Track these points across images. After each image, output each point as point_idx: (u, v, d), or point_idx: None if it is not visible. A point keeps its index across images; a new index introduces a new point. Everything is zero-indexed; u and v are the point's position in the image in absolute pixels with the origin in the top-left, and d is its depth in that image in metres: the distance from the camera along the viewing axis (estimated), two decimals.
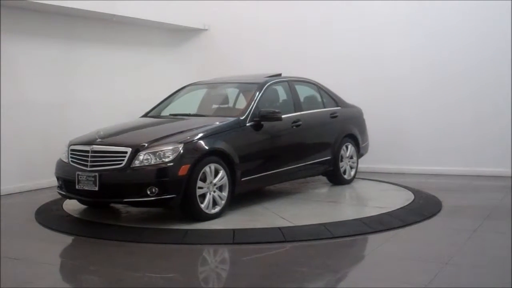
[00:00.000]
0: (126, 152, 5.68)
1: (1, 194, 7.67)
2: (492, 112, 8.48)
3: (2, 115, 7.83)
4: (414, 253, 4.97)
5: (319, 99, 7.82)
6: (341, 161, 7.72)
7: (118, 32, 9.58)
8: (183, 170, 5.57)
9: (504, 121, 8.33)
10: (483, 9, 8.47)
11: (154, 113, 7.37)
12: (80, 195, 6.02)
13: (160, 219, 5.94)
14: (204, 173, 5.76)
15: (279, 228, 5.44)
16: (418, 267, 4.50)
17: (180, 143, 5.72)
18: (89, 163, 5.82)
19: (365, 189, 7.69)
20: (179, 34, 10.70)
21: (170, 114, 7.16)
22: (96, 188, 5.68)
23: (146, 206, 6.06)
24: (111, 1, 8.61)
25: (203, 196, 5.78)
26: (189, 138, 5.85)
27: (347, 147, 7.82)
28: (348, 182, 7.85)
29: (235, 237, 5.25)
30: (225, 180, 5.98)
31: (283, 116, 6.73)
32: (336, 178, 7.78)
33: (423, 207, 6.40)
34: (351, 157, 7.92)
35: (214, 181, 5.87)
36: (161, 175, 5.55)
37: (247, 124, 6.43)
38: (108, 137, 6.10)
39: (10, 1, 7.54)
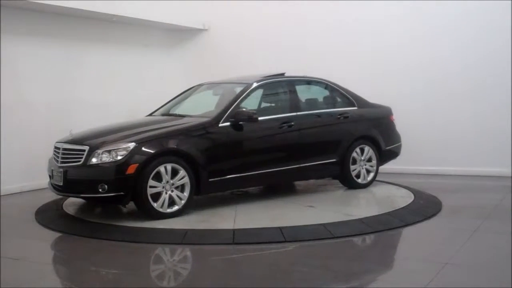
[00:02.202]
0: (84, 150, 5.98)
1: (1, 194, 7.68)
2: (492, 112, 8.47)
3: (2, 115, 7.84)
4: (414, 253, 4.97)
5: (329, 99, 7.64)
6: (354, 164, 7.37)
7: (118, 32, 9.59)
8: (131, 169, 5.74)
9: (504, 121, 8.33)
10: (484, 8, 8.46)
11: (158, 112, 7.41)
12: (55, 189, 6.31)
13: (160, 220, 5.93)
14: (159, 172, 5.85)
15: (279, 228, 5.44)
16: (418, 267, 4.50)
17: (132, 142, 5.88)
18: (59, 160, 6.20)
19: (367, 194, 7.23)
20: (179, 34, 10.70)
21: (163, 114, 7.22)
22: (61, 183, 6.08)
23: (100, 202, 6.48)
24: (111, 1, 8.62)
25: (160, 195, 5.89)
26: (143, 138, 5.99)
27: (362, 150, 7.43)
28: (363, 186, 7.43)
29: (235, 237, 5.25)
30: (186, 180, 6.01)
31: (270, 117, 6.82)
32: (347, 181, 7.43)
33: (423, 207, 6.39)
34: (370, 160, 7.52)
35: (172, 181, 5.93)
36: (110, 173, 5.78)
37: (221, 125, 6.41)
38: (77, 136, 6.42)
39: (10, 1, 7.54)
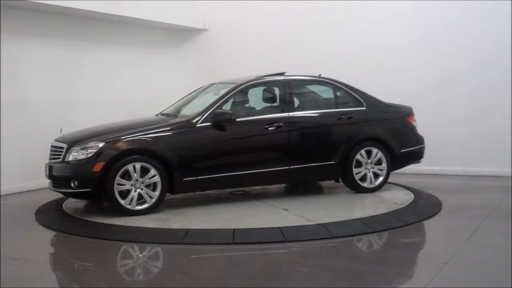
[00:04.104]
0: (63, 148, 6.31)
1: (1, 194, 7.68)
2: (492, 112, 8.48)
3: (2, 115, 7.84)
4: (414, 253, 4.97)
5: (330, 99, 7.33)
6: (359, 166, 7.03)
7: (118, 32, 9.59)
8: (98, 167, 5.99)
9: (504, 121, 8.34)
10: (484, 7, 8.48)
11: (165, 111, 7.37)
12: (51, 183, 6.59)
13: (161, 220, 5.95)
14: (127, 171, 6.04)
15: (279, 228, 5.44)
16: (418, 267, 4.50)
17: (101, 141, 6.12)
18: (49, 156, 6.59)
19: (362, 198, 6.85)
20: (179, 34, 10.70)
21: (161, 114, 7.22)
22: (48, 178, 6.51)
23: (73, 197, 6.70)
24: (111, 1, 8.61)
25: (130, 192, 6.09)
26: (113, 138, 6.19)
27: (370, 152, 7.07)
28: (369, 190, 7.06)
29: (235, 237, 5.25)
30: (157, 179, 6.14)
31: (256, 118, 6.79)
32: (350, 185, 7.13)
33: (423, 207, 6.39)
34: (379, 163, 7.14)
35: (142, 179, 6.10)
36: (79, 170, 6.10)
37: (199, 125, 6.43)
38: (65, 135, 6.70)
39: (10, 1, 7.54)
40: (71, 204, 6.90)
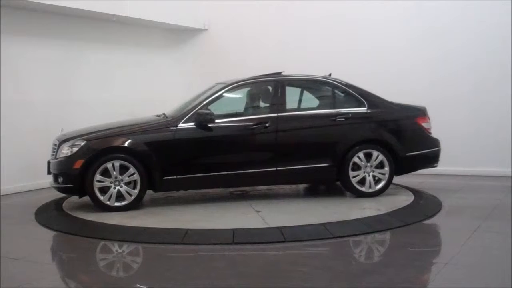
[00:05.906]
0: (56, 145, 6.62)
1: (1, 194, 7.68)
2: (492, 112, 8.48)
3: (2, 115, 7.84)
4: (414, 253, 4.97)
5: (327, 99, 7.17)
6: (358, 169, 6.76)
7: (118, 32, 9.59)
8: (78, 164, 6.26)
9: (504, 120, 8.34)
10: (484, 7, 8.48)
11: (171, 111, 7.25)
12: None
13: (160, 219, 5.95)
14: (107, 168, 6.25)
15: (279, 228, 5.44)
16: (418, 267, 4.50)
17: (84, 140, 6.39)
18: (51, 154, 6.78)
19: (355, 202, 6.62)
20: (179, 34, 10.71)
21: (163, 114, 7.18)
22: (47, 174, 6.76)
23: (61, 192, 6.82)
24: (111, 1, 8.61)
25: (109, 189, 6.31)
26: (94, 136, 6.46)
27: (369, 155, 6.76)
28: (368, 195, 6.73)
29: (235, 237, 5.25)
30: (137, 177, 6.31)
31: (241, 118, 6.79)
32: (348, 189, 6.87)
33: (423, 207, 6.39)
34: (381, 167, 6.81)
35: (121, 177, 6.30)
36: (62, 167, 6.40)
37: (180, 125, 6.50)
38: (65, 133, 6.87)
39: (10, 1, 7.54)
40: (71, 203, 6.90)
